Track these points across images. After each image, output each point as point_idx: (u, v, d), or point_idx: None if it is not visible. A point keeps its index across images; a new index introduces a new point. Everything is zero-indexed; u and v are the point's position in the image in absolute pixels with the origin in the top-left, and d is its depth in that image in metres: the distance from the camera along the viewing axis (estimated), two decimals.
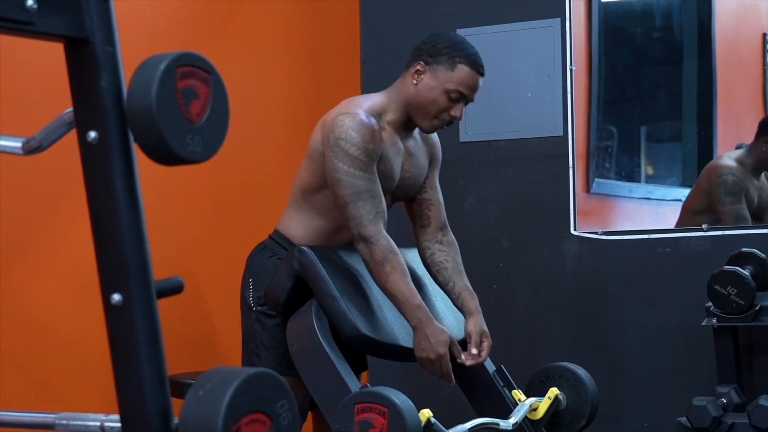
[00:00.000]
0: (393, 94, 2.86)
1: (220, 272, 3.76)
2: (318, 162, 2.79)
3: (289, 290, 2.69)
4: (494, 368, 2.91)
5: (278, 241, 2.86)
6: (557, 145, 4.09)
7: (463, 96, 2.81)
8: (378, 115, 2.80)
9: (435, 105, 2.80)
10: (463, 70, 2.80)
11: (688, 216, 4.50)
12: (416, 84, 2.81)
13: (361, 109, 2.77)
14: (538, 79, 4.11)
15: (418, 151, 2.93)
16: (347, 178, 2.69)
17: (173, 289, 1.39)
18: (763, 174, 4.56)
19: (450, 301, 2.92)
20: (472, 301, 2.87)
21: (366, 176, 2.70)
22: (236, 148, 3.89)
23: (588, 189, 4.62)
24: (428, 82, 2.80)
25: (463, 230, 4.20)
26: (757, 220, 4.49)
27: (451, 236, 3.00)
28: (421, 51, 2.85)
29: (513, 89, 4.11)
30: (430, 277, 2.96)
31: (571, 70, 4.09)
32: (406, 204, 3.01)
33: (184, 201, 3.74)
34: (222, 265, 3.73)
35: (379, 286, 2.71)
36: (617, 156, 5.29)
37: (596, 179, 4.69)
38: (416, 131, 2.92)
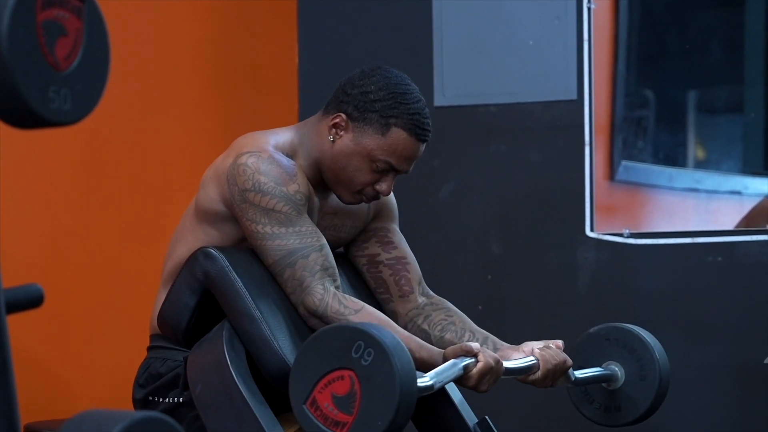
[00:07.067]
0: (304, 138, 2.89)
1: (91, 280, 3.77)
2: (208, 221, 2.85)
3: (192, 310, 2.69)
4: (476, 420, 2.94)
5: (163, 345, 2.89)
6: (569, 113, 4.12)
7: (394, 168, 2.85)
8: (288, 156, 2.85)
9: (357, 176, 2.84)
10: (398, 135, 2.82)
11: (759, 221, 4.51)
12: (333, 142, 2.84)
13: (268, 146, 2.83)
14: (543, 20, 4.13)
15: (349, 207, 2.98)
16: (269, 243, 2.74)
17: (29, 301, 1.40)
18: None
19: None
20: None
21: (294, 230, 2.74)
22: (120, 110, 3.89)
23: (612, 175, 4.65)
24: (348, 145, 2.83)
25: (437, 230, 4.24)
26: None
27: (436, 295, 3.06)
28: (347, 98, 2.86)
29: (508, 35, 4.13)
30: None
31: (589, 8, 4.12)
32: (362, 271, 3.06)
33: (48, 182, 3.73)
34: (95, 271, 3.74)
35: None
36: (654, 131, 5.33)
37: (623, 162, 4.73)
38: None
